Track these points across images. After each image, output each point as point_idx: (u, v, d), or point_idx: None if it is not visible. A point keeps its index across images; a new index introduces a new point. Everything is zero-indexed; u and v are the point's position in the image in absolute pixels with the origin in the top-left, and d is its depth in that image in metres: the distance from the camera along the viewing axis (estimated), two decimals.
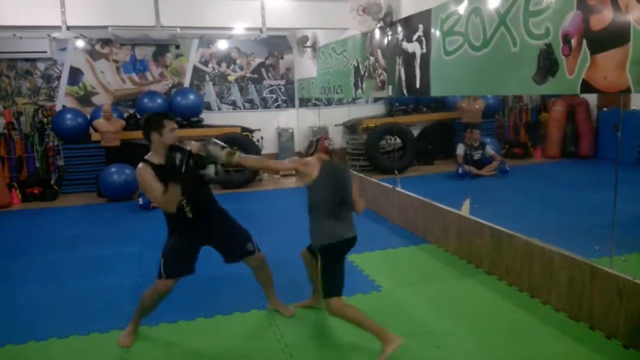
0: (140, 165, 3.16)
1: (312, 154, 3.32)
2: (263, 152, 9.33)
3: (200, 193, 3.33)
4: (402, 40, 5.23)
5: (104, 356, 3.18)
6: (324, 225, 3.04)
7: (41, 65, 8.92)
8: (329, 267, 2.99)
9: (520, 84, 3.57)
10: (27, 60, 8.81)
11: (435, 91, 4.73)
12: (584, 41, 2.99)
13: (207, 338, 3.39)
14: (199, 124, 9.25)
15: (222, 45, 9.64)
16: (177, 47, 9.51)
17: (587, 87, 3.03)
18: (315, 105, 9.98)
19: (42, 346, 3.32)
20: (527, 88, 3.52)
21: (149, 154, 3.24)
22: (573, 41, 3.08)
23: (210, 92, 9.80)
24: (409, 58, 5.12)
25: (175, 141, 3.20)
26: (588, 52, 2.97)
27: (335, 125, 9.96)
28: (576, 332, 3.25)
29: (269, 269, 3.63)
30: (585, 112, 9.60)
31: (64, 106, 8.97)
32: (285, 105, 10.20)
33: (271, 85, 10.14)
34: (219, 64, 9.80)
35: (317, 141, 3.48)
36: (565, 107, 9.66)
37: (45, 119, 8.75)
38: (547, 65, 3.29)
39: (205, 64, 9.74)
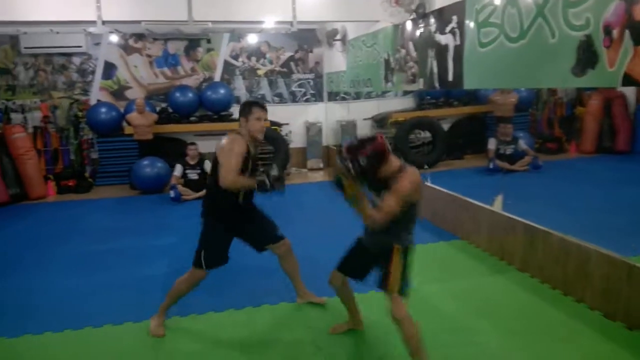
0: (236, 136, 3.24)
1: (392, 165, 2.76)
2: (291, 146, 9.35)
3: None
4: (435, 32, 5.16)
5: (137, 345, 3.24)
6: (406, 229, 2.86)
7: (76, 60, 9.11)
8: (407, 265, 2.84)
9: (558, 76, 3.48)
10: (63, 54, 9.01)
11: (469, 84, 4.65)
12: (627, 32, 2.89)
13: (236, 329, 3.42)
14: (229, 117, 9.32)
15: (252, 39, 9.67)
16: (209, 41, 9.59)
17: (628, 80, 2.93)
18: (343, 99, 9.94)
19: (78, 334, 3.41)
20: (566, 81, 3.43)
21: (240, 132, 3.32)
22: (615, 32, 2.98)
23: (240, 86, 9.86)
24: (441, 50, 5.05)
25: (261, 130, 3.33)
26: (631, 44, 2.87)
27: (364, 119, 9.90)
28: (612, 331, 3.17)
29: (294, 258, 3.68)
30: (623, 105, 9.29)
31: (98, 100, 9.16)
32: (314, 99, 10.18)
33: (300, 79, 10.14)
34: (249, 58, 9.84)
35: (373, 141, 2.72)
36: (601, 101, 9.37)
37: (80, 113, 8.95)
38: (587, 57, 3.20)
39: (236, 58, 9.80)
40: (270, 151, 9.10)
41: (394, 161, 2.77)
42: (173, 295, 3.43)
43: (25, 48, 8.63)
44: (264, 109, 3.42)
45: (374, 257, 2.93)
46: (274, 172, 3.26)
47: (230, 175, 3.13)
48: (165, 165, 8.14)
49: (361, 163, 2.68)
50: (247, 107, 3.37)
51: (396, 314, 2.73)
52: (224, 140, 3.25)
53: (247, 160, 3.22)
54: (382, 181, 2.76)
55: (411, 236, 2.88)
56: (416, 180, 2.73)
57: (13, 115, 8.80)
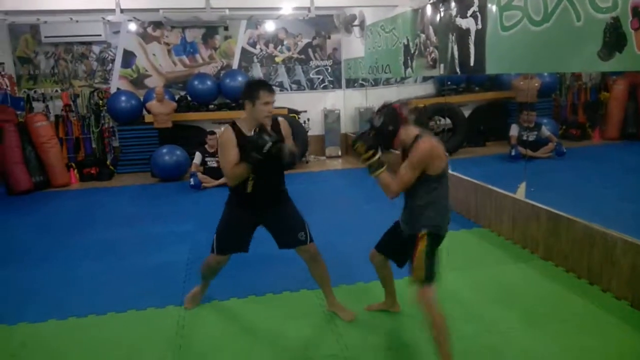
0: (225, 127, 3.16)
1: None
2: (310, 133, 9.32)
3: (271, 173, 3.20)
4: (456, 16, 5.06)
5: (161, 331, 3.28)
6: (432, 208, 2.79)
7: (96, 49, 9.19)
8: (432, 252, 2.74)
9: (583, 60, 3.39)
10: (82, 43, 9.09)
11: (491, 69, 4.57)
12: None
13: (258, 316, 3.44)
14: None
15: (270, 26, 9.62)
16: (226, 28, 9.57)
17: None
18: (362, 85, 9.86)
19: (102, 320, 3.46)
20: (592, 65, 3.34)
21: (241, 117, 3.19)
22: None
23: (258, 73, 9.83)
24: (463, 34, 4.96)
25: (269, 116, 3.08)
26: None
27: None
28: (639, 321, 3.10)
29: (323, 266, 3.38)
30: None
31: (118, 88, 9.23)
32: (332, 86, 10.12)
33: (318, 66, 10.08)
34: (266, 45, 9.80)
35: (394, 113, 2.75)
36: (627, 86, 9.12)
37: (100, 101, 9.05)
38: (614, 40, 3.11)
39: (253, 45, 9.77)
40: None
41: (412, 129, 2.73)
42: (202, 276, 3.50)
43: (46, 37, 8.73)
44: (272, 91, 3.08)
45: (406, 241, 2.86)
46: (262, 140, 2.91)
47: (226, 172, 3.08)
48: (184, 153, 8.19)
49: (374, 123, 2.68)
50: (254, 90, 3.03)
51: (420, 300, 2.66)
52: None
53: (244, 147, 2.98)
54: (402, 151, 2.74)
55: (441, 218, 2.79)
56: (430, 146, 2.65)
57: (35, 104, 8.94)
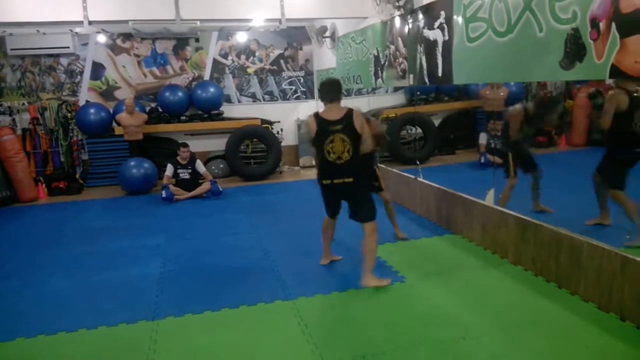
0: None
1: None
2: (283, 144, 9.33)
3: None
4: (424, 27, 5.16)
5: (133, 347, 3.22)
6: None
7: (64, 61, 9.04)
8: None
9: (546, 70, 3.50)
10: (50, 55, 8.93)
11: (458, 79, 4.67)
12: (613, 24, 2.92)
13: (232, 329, 3.41)
14: (219, 116, 9.29)
15: (242, 37, 9.63)
16: (197, 40, 9.54)
17: (616, 72, 2.96)
18: None
19: (72, 337, 3.38)
20: (554, 74, 3.45)
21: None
22: (602, 25, 3.00)
23: (230, 84, 9.82)
24: (430, 46, 5.06)
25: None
26: (617, 36, 2.89)
27: None
28: (606, 322, 3.19)
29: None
30: None
31: (87, 101, 9.08)
32: (304, 96, 10.16)
33: (290, 77, 10.12)
34: (238, 57, 9.80)
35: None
36: (590, 94, 9.42)
37: (69, 114, 8.88)
38: (575, 50, 3.22)
39: (225, 56, 9.76)
40: (263, 149, 9.09)
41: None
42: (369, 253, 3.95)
43: (12, 49, 8.55)
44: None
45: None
46: None
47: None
48: (152, 165, 8.10)
49: None
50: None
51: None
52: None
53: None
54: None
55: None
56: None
57: (1, 118, 8.74)
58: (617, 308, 3.24)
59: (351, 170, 3.87)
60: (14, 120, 8.78)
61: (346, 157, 3.84)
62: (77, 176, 8.75)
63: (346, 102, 4.04)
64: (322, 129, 3.92)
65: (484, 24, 4.10)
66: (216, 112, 9.26)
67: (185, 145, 7.68)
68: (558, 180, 7.06)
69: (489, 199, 4.69)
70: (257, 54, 9.87)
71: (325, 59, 9.17)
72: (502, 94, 9.08)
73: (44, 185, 8.30)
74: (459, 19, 4.50)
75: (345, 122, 3.89)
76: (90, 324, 3.52)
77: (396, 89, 10.04)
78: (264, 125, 9.11)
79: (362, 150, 3.93)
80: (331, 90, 4.00)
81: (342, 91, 4.08)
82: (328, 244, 4.40)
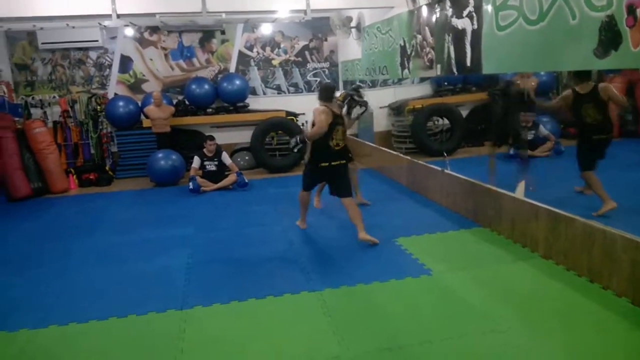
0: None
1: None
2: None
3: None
4: (452, 16, 5.08)
5: (162, 335, 3.27)
6: None
7: (93, 54, 9.19)
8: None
9: (579, 58, 3.40)
10: (79, 49, 9.09)
11: (488, 68, 4.58)
12: None
13: (258, 319, 3.43)
14: (244, 108, 9.33)
15: (266, 29, 9.63)
16: (223, 32, 9.58)
17: None
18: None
19: (103, 325, 3.45)
20: (588, 63, 3.36)
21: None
22: (639, 11, 2.89)
23: (255, 76, 9.85)
24: (459, 35, 4.97)
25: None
26: None
27: (380, 107, 9.82)
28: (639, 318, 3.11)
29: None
30: None
31: (115, 94, 9.23)
32: None
33: (315, 69, 10.09)
34: (263, 49, 9.82)
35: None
36: (624, 83, 9.13)
37: (98, 107, 9.04)
38: (610, 38, 3.12)
39: (250, 48, 9.78)
40: (287, 141, 9.09)
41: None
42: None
43: (43, 44, 8.74)
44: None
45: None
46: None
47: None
48: (179, 157, 8.19)
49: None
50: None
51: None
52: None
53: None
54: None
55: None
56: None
57: (33, 111, 8.93)
58: None
59: (344, 154, 4.95)
60: (45, 113, 8.98)
61: (342, 144, 4.88)
62: (107, 168, 8.91)
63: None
64: (334, 121, 4.81)
65: (515, 11, 4.00)
66: (242, 104, 9.31)
67: (212, 138, 7.74)
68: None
69: (519, 192, 4.60)
70: (282, 45, 9.87)
71: (351, 50, 9.11)
72: (532, 83, 8.86)
73: (74, 176, 8.48)
74: (488, 7, 4.41)
75: (342, 117, 5.01)
76: (121, 312, 3.59)
77: (422, 80, 9.91)
78: (288, 117, 9.11)
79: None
80: (331, 92, 4.98)
81: (334, 94, 5.05)
82: (305, 212, 5.40)
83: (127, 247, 5.13)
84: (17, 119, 8.23)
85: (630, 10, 2.95)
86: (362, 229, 4.70)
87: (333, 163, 4.81)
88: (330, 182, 5.04)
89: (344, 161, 4.91)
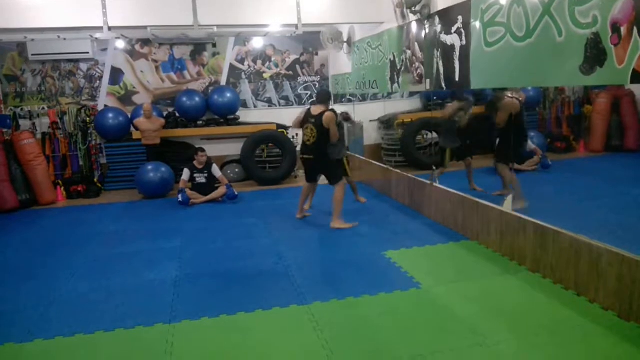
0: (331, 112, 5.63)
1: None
2: (298, 148, 9.33)
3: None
4: (441, 32, 5.15)
5: (150, 350, 3.24)
6: None
7: (83, 66, 9.18)
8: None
9: (566, 75, 3.46)
10: (70, 61, 9.09)
11: (476, 84, 4.64)
12: (635, 29, 2.88)
13: (247, 333, 3.41)
14: (235, 121, 9.35)
15: (258, 42, 9.70)
16: (214, 45, 9.63)
17: (638, 77, 2.92)
18: (349, 101, 9.93)
19: (90, 339, 3.41)
20: (574, 79, 3.42)
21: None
22: (623, 29, 2.97)
23: (246, 89, 9.89)
24: (447, 50, 5.04)
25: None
26: (639, 41, 2.85)
27: (370, 120, 9.88)
28: (626, 331, 3.13)
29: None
30: (631, 104, 9.19)
31: (105, 105, 9.22)
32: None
33: (306, 82, 10.15)
34: (254, 62, 9.87)
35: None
36: (609, 99, 9.29)
37: (88, 119, 9.01)
38: (595, 55, 3.19)
39: (241, 61, 9.83)
40: (278, 154, 9.11)
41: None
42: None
43: (33, 55, 8.72)
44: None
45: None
46: None
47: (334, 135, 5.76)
48: (169, 169, 8.17)
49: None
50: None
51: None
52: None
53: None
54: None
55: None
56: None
57: (22, 122, 8.88)
58: (638, 317, 3.18)
59: (313, 150, 5.68)
60: (34, 124, 8.94)
61: (312, 141, 5.64)
62: (95, 180, 8.86)
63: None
64: (305, 118, 5.74)
65: (503, 28, 4.08)
66: (232, 117, 9.33)
67: (203, 150, 7.74)
68: (577, 186, 6.99)
69: (507, 205, 4.65)
70: (273, 59, 9.93)
71: (341, 64, 9.19)
72: (520, 98, 8.98)
73: (62, 188, 8.42)
74: (476, 24, 4.49)
75: (317, 118, 5.62)
76: (108, 326, 3.56)
77: (412, 94, 10.00)
78: (279, 130, 9.14)
79: (331, 139, 5.68)
80: (320, 96, 5.80)
81: (329, 99, 5.83)
82: (303, 203, 6.14)
83: (115, 260, 5.09)
84: (5, 130, 8.17)
85: (615, 28, 3.02)
86: (336, 215, 5.53)
87: (305, 156, 5.81)
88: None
89: (312, 156, 5.69)
